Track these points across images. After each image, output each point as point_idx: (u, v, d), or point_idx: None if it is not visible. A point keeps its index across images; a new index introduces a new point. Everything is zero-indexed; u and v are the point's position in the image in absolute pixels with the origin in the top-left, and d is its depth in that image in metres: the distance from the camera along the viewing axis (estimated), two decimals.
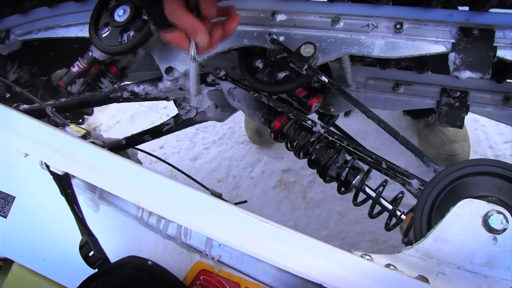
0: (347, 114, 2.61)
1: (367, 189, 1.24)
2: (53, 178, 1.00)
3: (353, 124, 2.54)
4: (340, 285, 0.72)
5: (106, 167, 0.87)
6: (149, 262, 0.94)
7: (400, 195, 1.19)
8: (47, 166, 0.99)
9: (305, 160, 1.40)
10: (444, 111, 1.44)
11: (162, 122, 1.69)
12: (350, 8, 1.27)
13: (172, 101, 1.57)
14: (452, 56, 1.15)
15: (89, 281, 0.92)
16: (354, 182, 1.25)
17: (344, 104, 1.53)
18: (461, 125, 1.42)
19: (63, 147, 0.90)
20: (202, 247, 0.93)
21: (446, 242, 0.80)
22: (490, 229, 0.77)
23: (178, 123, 1.63)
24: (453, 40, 1.16)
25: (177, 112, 1.64)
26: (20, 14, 1.64)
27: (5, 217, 1.15)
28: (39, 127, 0.93)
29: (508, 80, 1.43)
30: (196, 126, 2.77)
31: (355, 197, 1.26)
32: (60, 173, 0.97)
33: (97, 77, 1.63)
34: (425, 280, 0.76)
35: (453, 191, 0.93)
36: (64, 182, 0.99)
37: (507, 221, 0.76)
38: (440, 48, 1.18)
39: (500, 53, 1.12)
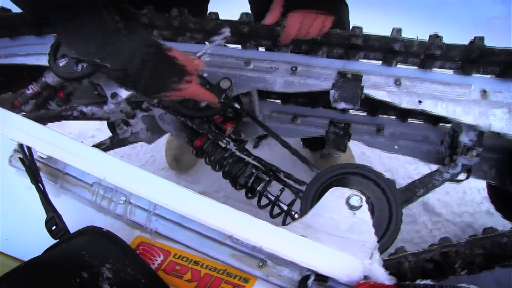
0: (255, 146, 2.79)
1: (269, 195, 1.46)
2: (25, 169, 1.18)
3: (261, 155, 2.63)
4: (246, 236, 0.98)
5: (80, 151, 1.10)
6: (104, 229, 1.11)
7: (294, 199, 1.44)
8: (21, 160, 1.19)
9: (219, 184, 1.59)
10: (332, 138, 1.71)
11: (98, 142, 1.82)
12: (258, 54, 1.53)
13: (99, 133, 1.70)
14: (332, 92, 1.44)
15: (53, 247, 1.08)
16: (258, 188, 1.46)
17: (252, 131, 1.77)
18: (344, 150, 1.70)
19: (47, 138, 1.11)
20: (143, 222, 1.14)
21: (320, 216, 1.07)
22: (351, 206, 1.05)
23: (114, 143, 1.78)
24: (333, 81, 1.45)
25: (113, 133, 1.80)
26: None
27: None
28: (31, 123, 1.15)
29: (380, 116, 1.75)
30: (121, 153, 2.88)
31: (259, 201, 1.48)
32: (45, 157, 1.19)
33: (45, 100, 1.77)
34: (304, 237, 1.05)
35: (328, 185, 1.23)
36: (35, 172, 1.18)
37: (361, 201, 1.05)
38: (324, 86, 1.46)
39: (366, 91, 1.42)
